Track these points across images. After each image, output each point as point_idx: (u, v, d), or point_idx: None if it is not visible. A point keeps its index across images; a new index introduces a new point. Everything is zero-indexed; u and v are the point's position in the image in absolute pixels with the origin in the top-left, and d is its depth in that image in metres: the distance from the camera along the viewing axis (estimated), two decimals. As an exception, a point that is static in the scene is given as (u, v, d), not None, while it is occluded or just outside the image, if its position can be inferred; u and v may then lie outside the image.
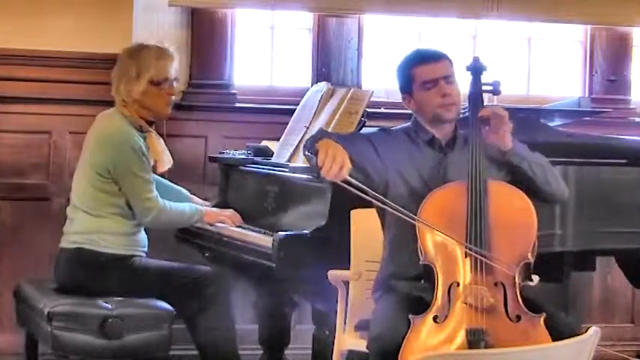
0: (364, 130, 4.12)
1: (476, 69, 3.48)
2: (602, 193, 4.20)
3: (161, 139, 4.34)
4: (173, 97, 4.29)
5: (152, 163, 4.24)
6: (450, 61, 3.52)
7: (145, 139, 4.21)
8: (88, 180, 4.17)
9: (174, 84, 4.29)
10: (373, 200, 3.18)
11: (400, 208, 3.19)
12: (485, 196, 3.26)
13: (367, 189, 3.16)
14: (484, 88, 3.47)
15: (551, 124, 4.59)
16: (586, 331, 2.66)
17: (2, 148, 4.92)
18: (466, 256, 3.20)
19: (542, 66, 5.73)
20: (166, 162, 4.32)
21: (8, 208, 4.95)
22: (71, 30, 4.93)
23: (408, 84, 3.50)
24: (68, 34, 4.92)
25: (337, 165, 3.09)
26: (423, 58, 3.50)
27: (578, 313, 5.17)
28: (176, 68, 4.29)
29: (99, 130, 4.23)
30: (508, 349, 2.89)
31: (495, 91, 3.49)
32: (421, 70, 3.47)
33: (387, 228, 3.51)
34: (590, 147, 4.38)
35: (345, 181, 3.12)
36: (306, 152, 3.26)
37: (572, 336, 2.95)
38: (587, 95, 5.60)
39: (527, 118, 4.40)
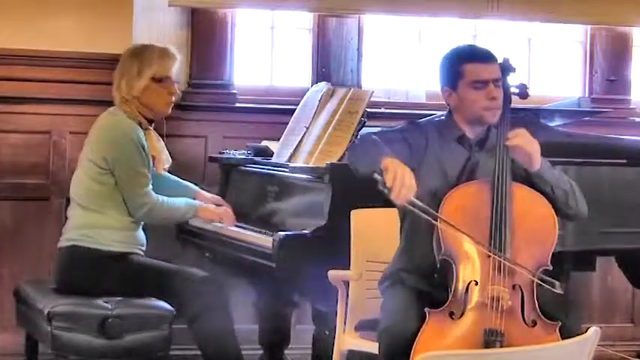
0: (398, 124, 4.05)
1: (505, 69, 3.44)
2: (602, 193, 4.20)
3: (161, 139, 4.36)
4: (174, 98, 4.30)
5: (150, 159, 4.24)
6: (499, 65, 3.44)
7: (144, 135, 4.23)
8: (85, 172, 4.19)
9: (175, 85, 4.31)
10: (429, 218, 3.13)
11: (442, 217, 3.16)
12: (510, 200, 3.22)
13: (429, 209, 3.12)
14: (511, 90, 3.43)
15: (551, 124, 4.59)
16: (586, 331, 2.66)
17: (2, 148, 4.92)
18: (488, 257, 3.17)
19: (542, 66, 5.73)
20: (165, 161, 4.33)
21: (8, 208, 4.94)
22: (71, 30, 4.92)
23: (454, 78, 3.39)
24: (68, 34, 4.91)
25: (406, 189, 3.04)
26: (477, 56, 3.42)
27: (578, 313, 5.17)
28: (177, 70, 4.32)
29: (100, 125, 4.25)
30: (508, 348, 2.90)
31: (521, 94, 3.44)
32: (473, 68, 3.37)
33: (405, 222, 3.45)
34: (590, 147, 4.38)
35: (411, 203, 3.09)
36: (375, 175, 3.09)
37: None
38: (587, 95, 5.59)
39: (527, 118, 4.40)
